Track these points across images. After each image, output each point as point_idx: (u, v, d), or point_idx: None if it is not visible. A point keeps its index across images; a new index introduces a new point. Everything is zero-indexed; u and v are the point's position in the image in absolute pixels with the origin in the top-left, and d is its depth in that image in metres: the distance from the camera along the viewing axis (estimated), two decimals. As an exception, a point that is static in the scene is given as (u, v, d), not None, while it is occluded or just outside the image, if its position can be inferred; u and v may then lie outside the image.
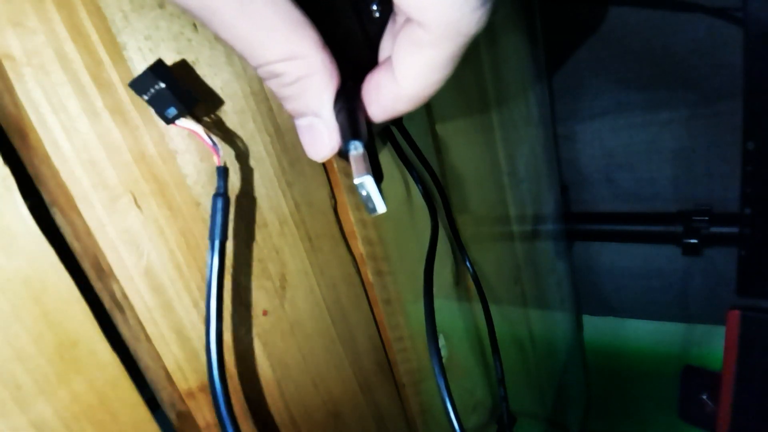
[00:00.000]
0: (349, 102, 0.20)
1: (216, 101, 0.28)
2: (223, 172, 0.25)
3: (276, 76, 0.19)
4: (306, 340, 0.34)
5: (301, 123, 0.21)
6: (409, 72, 0.19)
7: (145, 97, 0.22)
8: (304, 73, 0.19)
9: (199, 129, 0.24)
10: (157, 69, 0.21)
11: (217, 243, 0.25)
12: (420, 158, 0.45)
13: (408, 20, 0.18)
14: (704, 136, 0.82)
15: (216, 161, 0.25)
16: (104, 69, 0.23)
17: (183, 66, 0.26)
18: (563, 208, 0.97)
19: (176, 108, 0.22)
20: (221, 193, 0.25)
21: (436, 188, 0.48)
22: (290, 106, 0.21)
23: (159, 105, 0.21)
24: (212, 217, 0.25)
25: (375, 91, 0.21)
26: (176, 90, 0.22)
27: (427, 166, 0.46)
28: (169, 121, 0.22)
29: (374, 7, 0.22)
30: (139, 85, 0.21)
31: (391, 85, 0.20)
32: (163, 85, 0.21)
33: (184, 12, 0.19)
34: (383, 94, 0.21)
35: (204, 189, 0.28)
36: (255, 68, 0.19)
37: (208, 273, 0.25)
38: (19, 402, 0.21)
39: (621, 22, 0.80)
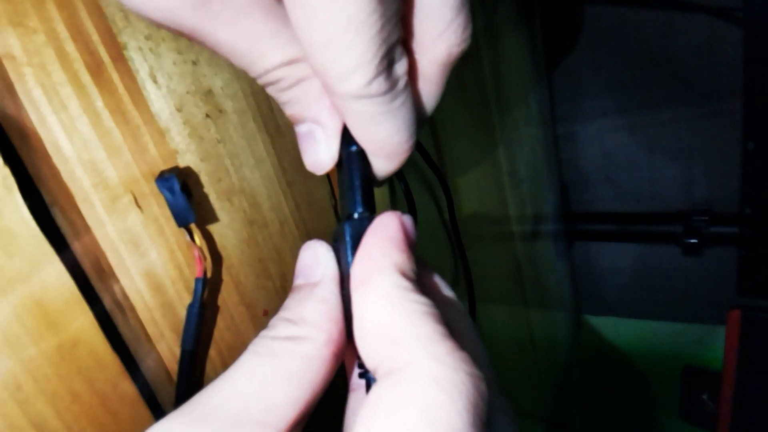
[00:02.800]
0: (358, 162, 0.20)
1: (216, 101, 0.28)
2: (203, 282, 0.26)
3: (275, 81, 0.19)
4: (306, 340, 0.34)
5: (300, 129, 0.21)
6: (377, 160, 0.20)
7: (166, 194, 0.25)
8: (303, 75, 0.19)
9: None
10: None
11: (187, 352, 0.26)
12: (426, 159, 0.45)
13: None
14: (704, 136, 0.82)
15: (197, 272, 0.26)
16: (104, 69, 0.23)
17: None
18: (563, 208, 0.97)
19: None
20: (198, 303, 0.26)
21: (442, 188, 0.48)
22: (290, 111, 0.20)
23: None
24: (186, 323, 0.26)
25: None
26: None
27: (433, 166, 0.46)
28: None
29: None
30: (162, 183, 0.24)
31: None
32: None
33: (179, 35, 0.18)
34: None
35: (204, 189, 0.28)
36: (255, 78, 0.19)
37: (178, 378, 0.26)
38: (20, 402, 0.21)
39: (621, 23, 0.80)
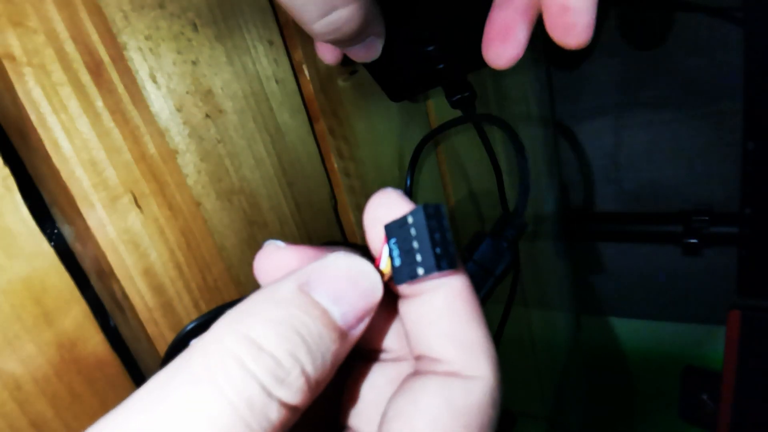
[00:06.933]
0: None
1: (216, 101, 0.28)
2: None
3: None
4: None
5: (362, 44, 0.24)
6: None
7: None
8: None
9: None
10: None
11: None
12: (488, 151, 0.44)
13: None
14: (704, 136, 0.82)
15: None
16: (104, 69, 0.23)
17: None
18: (563, 208, 0.97)
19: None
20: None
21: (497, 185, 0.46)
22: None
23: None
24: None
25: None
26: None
27: (494, 161, 0.44)
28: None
29: None
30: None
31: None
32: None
33: None
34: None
35: (204, 189, 0.28)
36: (317, 19, 0.20)
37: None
38: (20, 402, 0.21)
39: (621, 23, 0.80)
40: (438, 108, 0.51)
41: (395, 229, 0.15)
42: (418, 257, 0.14)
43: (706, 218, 0.82)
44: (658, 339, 1.00)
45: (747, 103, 0.56)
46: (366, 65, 0.32)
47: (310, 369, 0.12)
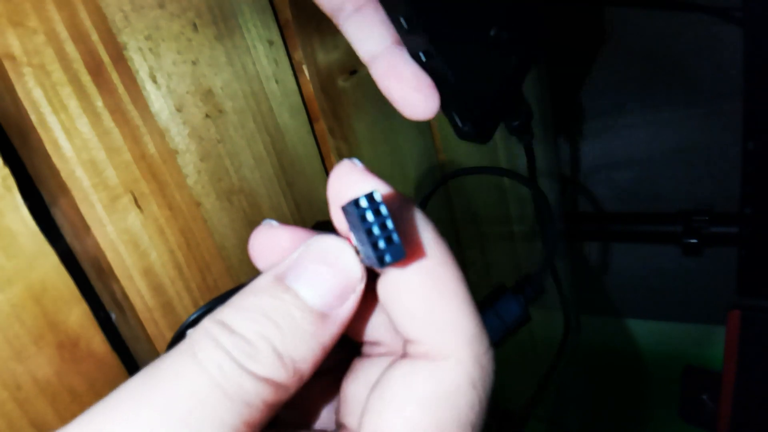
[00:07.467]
0: None
1: (216, 101, 0.28)
2: None
3: None
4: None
5: None
6: None
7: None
8: None
9: None
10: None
11: None
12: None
13: None
14: (704, 136, 0.82)
15: None
16: (104, 69, 0.23)
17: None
18: (563, 208, 0.97)
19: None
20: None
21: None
22: None
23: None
24: None
25: None
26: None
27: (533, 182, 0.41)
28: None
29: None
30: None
31: None
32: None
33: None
34: None
35: (204, 189, 0.28)
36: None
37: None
38: (20, 402, 0.21)
39: (621, 22, 0.80)
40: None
41: (347, 215, 0.14)
42: (367, 248, 0.14)
43: (706, 218, 0.82)
44: (658, 339, 1.00)
45: (747, 103, 0.56)
46: (447, 107, 0.24)
47: (282, 348, 0.13)
